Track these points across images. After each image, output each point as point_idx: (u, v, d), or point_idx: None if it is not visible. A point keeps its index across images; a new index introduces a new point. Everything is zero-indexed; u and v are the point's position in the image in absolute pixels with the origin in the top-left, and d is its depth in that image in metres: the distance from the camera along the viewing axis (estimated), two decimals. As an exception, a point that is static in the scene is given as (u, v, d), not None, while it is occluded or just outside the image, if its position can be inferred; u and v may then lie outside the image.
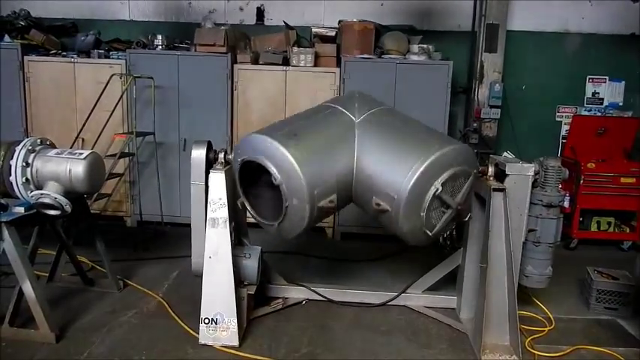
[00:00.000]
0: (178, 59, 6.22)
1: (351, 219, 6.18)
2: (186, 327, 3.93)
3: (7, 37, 6.45)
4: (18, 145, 3.71)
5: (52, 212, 3.69)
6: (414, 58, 6.15)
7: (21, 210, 3.65)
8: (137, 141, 5.99)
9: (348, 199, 3.88)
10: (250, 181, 3.82)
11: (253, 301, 4.16)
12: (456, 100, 6.83)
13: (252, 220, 4.05)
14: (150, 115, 6.03)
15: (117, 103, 5.89)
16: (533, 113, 7.01)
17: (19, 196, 3.70)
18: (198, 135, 4.62)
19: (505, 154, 4.85)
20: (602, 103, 7.01)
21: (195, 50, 6.25)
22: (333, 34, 6.42)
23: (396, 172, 3.52)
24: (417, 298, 4.48)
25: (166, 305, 4.30)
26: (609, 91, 7.00)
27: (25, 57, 6.32)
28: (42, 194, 3.62)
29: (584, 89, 7.01)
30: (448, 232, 6.14)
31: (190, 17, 7.14)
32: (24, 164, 3.65)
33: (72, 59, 6.34)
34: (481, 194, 4.00)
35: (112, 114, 5.83)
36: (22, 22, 6.60)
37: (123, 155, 5.87)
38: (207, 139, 3.94)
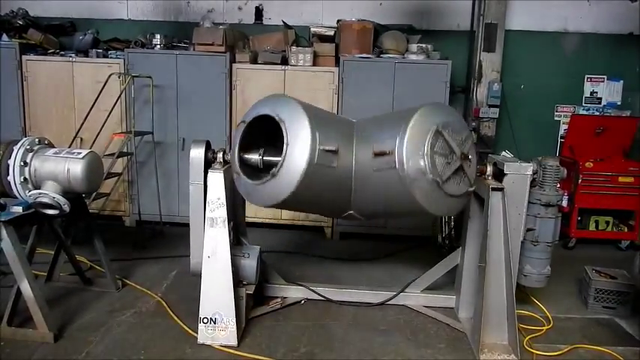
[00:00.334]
0: (177, 58, 6.22)
1: (349, 218, 6.18)
2: (184, 326, 3.93)
3: (5, 37, 6.44)
4: (16, 144, 3.72)
5: (51, 212, 3.69)
6: (413, 57, 6.15)
7: (19, 209, 3.65)
8: (135, 140, 5.98)
9: (349, 163, 3.72)
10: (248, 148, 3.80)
11: (252, 300, 4.17)
12: (455, 100, 6.83)
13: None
14: (148, 115, 6.02)
15: (115, 103, 5.88)
16: (531, 113, 7.02)
17: (17, 195, 3.70)
18: (196, 134, 4.62)
19: (504, 153, 4.85)
20: (600, 103, 7.01)
21: (194, 50, 6.24)
22: (331, 33, 6.42)
23: (394, 124, 3.60)
24: (416, 297, 4.49)
25: (165, 305, 4.29)
26: (607, 91, 7.00)
27: (23, 56, 6.30)
28: (40, 194, 3.62)
29: (583, 89, 7.01)
30: (447, 232, 6.18)
31: (189, 17, 7.13)
32: (22, 164, 3.65)
33: (70, 58, 6.32)
34: (480, 193, 4.00)
35: (110, 113, 5.83)
36: (20, 22, 6.60)
37: (121, 155, 5.86)
38: (205, 138, 3.94)
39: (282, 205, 3.73)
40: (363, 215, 4.12)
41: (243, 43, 6.50)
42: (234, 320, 3.71)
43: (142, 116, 6.07)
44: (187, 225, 3.92)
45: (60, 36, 6.80)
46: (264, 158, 3.71)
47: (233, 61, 6.23)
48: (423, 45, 6.24)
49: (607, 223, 6.35)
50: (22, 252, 3.67)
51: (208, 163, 3.85)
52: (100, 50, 6.42)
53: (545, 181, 3.89)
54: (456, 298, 4.40)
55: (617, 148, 6.46)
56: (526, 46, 6.93)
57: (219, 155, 3.88)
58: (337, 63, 6.16)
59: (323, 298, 4.48)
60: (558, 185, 3.98)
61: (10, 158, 3.65)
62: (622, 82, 6.95)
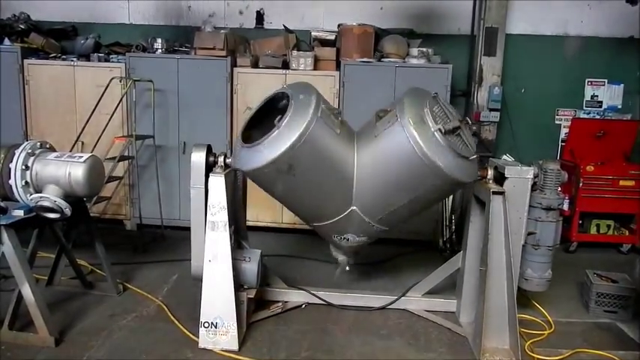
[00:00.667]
0: (178, 63, 6.23)
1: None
2: (185, 331, 3.92)
3: (7, 41, 6.46)
4: (18, 148, 3.73)
5: (52, 215, 3.70)
6: (414, 61, 6.17)
7: (20, 213, 3.65)
8: (137, 144, 6.00)
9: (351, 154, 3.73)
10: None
11: (253, 304, 4.17)
12: (456, 104, 6.83)
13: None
14: (149, 119, 6.03)
15: (116, 107, 5.90)
16: (532, 116, 7.02)
17: (19, 199, 3.71)
18: (197, 138, 4.63)
19: (504, 157, 4.87)
20: (601, 106, 7.02)
21: (195, 54, 6.26)
22: (332, 37, 6.43)
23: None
24: (417, 301, 4.48)
25: (166, 309, 4.29)
26: (608, 94, 7.01)
27: (24, 60, 6.33)
28: (41, 197, 3.63)
29: (583, 92, 7.02)
30: (448, 236, 6.18)
31: (190, 21, 7.15)
32: (23, 167, 3.66)
33: (72, 63, 6.34)
34: (480, 197, 4.00)
35: (111, 117, 5.84)
36: (22, 26, 6.62)
37: (122, 158, 5.87)
38: (206, 142, 3.95)
39: (276, 170, 3.50)
40: (366, 211, 3.80)
41: (244, 47, 6.51)
42: (235, 324, 3.70)
43: (143, 120, 6.09)
44: (188, 229, 3.92)
45: (61, 40, 6.81)
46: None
47: (234, 65, 6.25)
48: (424, 49, 6.26)
49: (608, 226, 6.34)
50: (23, 256, 3.67)
51: (209, 167, 3.85)
52: (102, 54, 6.45)
53: (546, 185, 3.90)
54: (457, 302, 4.39)
55: (617, 151, 6.46)
56: (527, 50, 6.94)
57: (221, 159, 3.88)
58: (338, 67, 6.17)
59: (324, 302, 4.48)
60: (559, 189, 3.98)
61: (11, 162, 3.66)
62: (622, 85, 6.96)
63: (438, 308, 4.45)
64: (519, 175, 3.79)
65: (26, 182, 3.68)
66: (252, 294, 4.01)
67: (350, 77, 6.07)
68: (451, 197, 6.25)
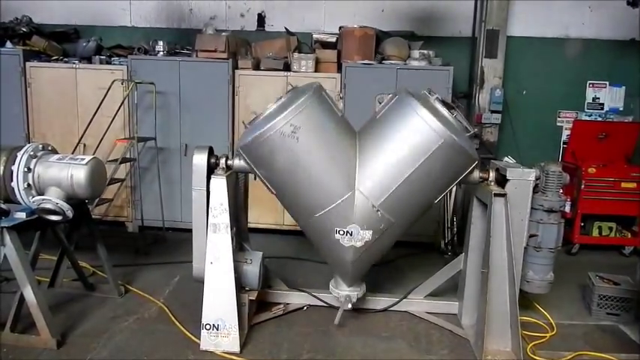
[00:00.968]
0: (179, 65, 6.25)
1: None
2: (187, 333, 3.92)
3: (8, 43, 6.49)
4: (20, 150, 3.73)
5: (54, 217, 3.70)
6: (415, 63, 6.17)
7: (22, 215, 3.66)
8: (138, 146, 6.01)
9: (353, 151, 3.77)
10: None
11: (254, 306, 4.17)
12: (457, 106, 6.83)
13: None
14: (151, 121, 6.05)
15: (118, 109, 5.91)
16: (533, 118, 7.02)
17: (21, 201, 3.71)
18: (199, 140, 4.63)
19: (506, 159, 4.85)
20: (602, 108, 7.02)
21: (197, 56, 6.27)
22: (333, 39, 6.45)
23: None
24: (419, 303, 4.47)
25: (167, 311, 4.29)
26: (610, 97, 7.01)
27: (26, 63, 6.35)
28: (43, 199, 3.63)
29: (585, 94, 7.02)
30: (450, 238, 6.17)
31: (191, 23, 7.17)
32: (26, 170, 3.66)
33: (73, 65, 6.36)
34: (482, 199, 4.00)
35: (113, 119, 5.85)
36: (23, 29, 6.65)
37: (124, 160, 5.88)
38: (208, 144, 3.96)
39: (280, 134, 3.46)
40: (368, 192, 3.60)
41: (246, 49, 6.53)
42: (237, 326, 3.70)
43: (144, 122, 6.10)
44: (190, 231, 3.92)
45: (63, 43, 6.84)
46: None
47: (235, 67, 6.26)
48: (425, 51, 6.26)
49: (610, 228, 6.33)
50: (26, 258, 3.67)
51: (211, 169, 3.86)
52: (104, 57, 6.47)
53: (548, 187, 3.89)
54: (459, 305, 4.39)
55: (619, 153, 6.46)
56: (528, 52, 6.94)
57: (222, 161, 3.89)
58: (339, 69, 6.19)
59: (325, 304, 4.47)
60: (561, 191, 3.97)
61: (13, 164, 3.66)
62: (624, 87, 6.96)
63: (439, 310, 4.45)
64: (521, 177, 3.78)
65: (28, 184, 3.68)
66: (253, 296, 4.02)
67: (351, 79, 6.08)
68: (452, 199, 6.26)
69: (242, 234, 4.40)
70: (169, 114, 6.28)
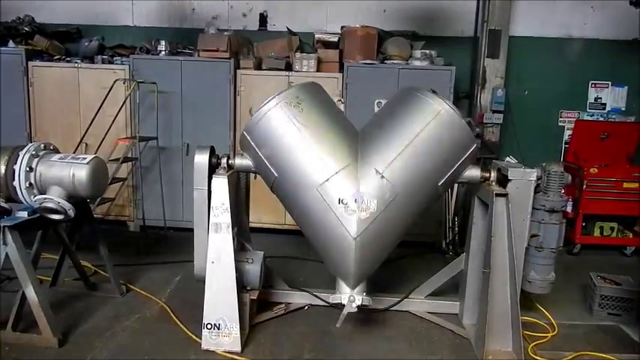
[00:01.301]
0: (181, 65, 6.25)
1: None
2: (188, 332, 3.93)
3: (11, 43, 6.51)
4: (22, 149, 3.74)
5: (56, 217, 3.71)
6: (417, 63, 6.17)
7: (24, 214, 3.67)
8: (140, 146, 6.03)
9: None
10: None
11: (256, 306, 4.16)
12: (459, 106, 6.80)
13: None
14: (153, 120, 6.05)
15: (120, 108, 5.92)
16: (535, 118, 7.01)
17: (23, 200, 3.72)
18: (201, 140, 4.64)
19: (508, 159, 4.85)
20: (604, 108, 7.01)
21: (199, 56, 6.28)
22: (335, 39, 6.45)
23: None
24: (420, 303, 4.47)
25: (169, 310, 4.30)
26: (612, 97, 7.00)
27: (29, 62, 6.36)
28: (45, 199, 3.64)
29: (587, 94, 7.01)
30: (451, 238, 6.17)
31: (193, 23, 7.17)
32: (27, 169, 3.67)
33: (76, 64, 6.38)
34: (483, 199, 4.00)
35: (115, 119, 5.87)
36: (26, 28, 6.67)
37: (126, 160, 5.89)
38: (210, 144, 3.96)
39: (286, 103, 3.72)
40: (370, 159, 3.65)
41: (248, 49, 6.54)
42: (238, 326, 3.70)
43: (146, 122, 6.11)
44: (191, 230, 3.92)
45: (66, 42, 6.86)
46: None
47: (237, 67, 6.27)
48: (427, 51, 6.26)
49: (612, 229, 6.32)
50: (27, 257, 3.68)
51: (212, 169, 3.86)
52: (106, 56, 6.48)
53: (550, 187, 3.89)
54: (460, 305, 4.39)
55: (621, 153, 6.45)
56: (530, 52, 6.93)
57: (224, 160, 3.90)
58: (341, 69, 6.19)
59: (327, 304, 4.46)
60: (562, 191, 3.97)
61: (15, 163, 3.67)
62: (626, 87, 6.94)
63: (440, 310, 4.44)
64: (522, 177, 3.78)
65: (30, 184, 3.69)
66: (254, 295, 4.02)
67: (353, 79, 6.08)
68: (454, 199, 6.26)
69: (243, 233, 4.40)
70: (171, 113, 6.29)
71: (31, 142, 4.11)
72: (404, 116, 3.81)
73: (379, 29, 6.41)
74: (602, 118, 6.97)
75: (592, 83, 6.98)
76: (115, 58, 6.48)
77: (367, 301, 3.79)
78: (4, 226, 3.51)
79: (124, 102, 5.97)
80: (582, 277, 4.93)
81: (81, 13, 7.20)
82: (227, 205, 3.72)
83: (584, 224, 6.28)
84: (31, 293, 3.59)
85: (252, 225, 4.97)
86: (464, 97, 6.97)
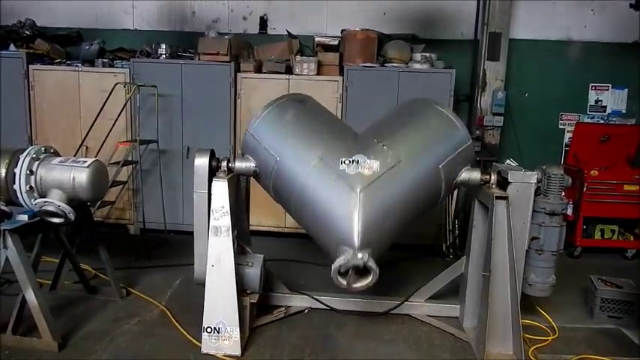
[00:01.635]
0: (182, 68, 6.26)
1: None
2: (188, 336, 3.92)
3: (12, 47, 6.52)
4: (22, 153, 3.74)
5: (56, 220, 3.71)
6: (417, 66, 6.17)
7: (24, 218, 3.68)
8: (140, 149, 6.02)
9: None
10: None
11: (256, 309, 4.16)
12: (459, 108, 6.82)
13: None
14: (153, 124, 6.06)
15: (120, 112, 5.92)
16: (536, 121, 7.01)
17: (23, 203, 3.72)
18: (201, 143, 4.65)
19: (508, 161, 4.86)
20: (605, 111, 7.00)
21: (199, 59, 6.29)
22: (335, 42, 6.45)
23: None
24: (420, 306, 4.47)
25: (169, 314, 4.30)
26: (612, 99, 7.00)
27: (30, 66, 6.37)
28: (46, 202, 3.64)
29: (587, 97, 7.01)
30: (451, 240, 6.16)
31: (194, 27, 7.19)
32: (28, 172, 3.68)
33: (76, 68, 6.39)
34: (484, 202, 4.00)
35: (115, 122, 5.87)
36: (27, 32, 6.68)
37: (126, 163, 5.90)
38: (210, 147, 3.97)
39: (292, 99, 4.38)
40: (372, 132, 4.03)
41: (248, 52, 6.55)
42: (238, 329, 3.70)
43: (147, 125, 6.11)
44: (191, 233, 3.92)
45: (66, 46, 6.88)
46: None
47: (238, 70, 6.28)
48: (427, 54, 6.27)
49: (612, 231, 6.31)
50: (27, 260, 3.68)
51: (213, 172, 3.87)
52: (106, 60, 6.48)
53: (550, 190, 3.88)
54: (461, 308, 4.38)
55: (621, 156, 6.44)
56: (530, 55, 6.94)
57: (224, 164, 3.90)
58: (341, 72, 6.19)
59: (327, 308, 4.47)
60: (563, 194, 3.97)
61: (16, 167, 3.67)
62: (627, 90, 6.94)
63: (441, 313, 4.44)
64: (523, 180, 3.78)
65: (30, 187, 3.69)
66: (254, 299, 4.02)
67: (353, 82, 6.08)
68: (454, 202, 6.26)
69: (243, 237, 4.40)
70: (171, 117, 6.30)
71: (31, 146, 4.11)
72: (399, 110, 4.52)
73: (379, 32, 6.42)
74: (602, 121, 6.96)
75: (592, 86, 6.98)
76: (115, 62, 6.49)
77: (373, 263, 3.35)
78: (4, 230, 3.52)
79: (125, 105, 5.98)
80: (583, 279, 4.92)
81: (81, 17, 7.22)
82: (227, 208, 3.72)
83: (584, 227, 6.27)
84: (31, 297, 3.59)
85: (252, 228, 4.97)
86: (464, 100, 6.97)
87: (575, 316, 4.58)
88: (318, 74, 6.18)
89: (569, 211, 5.98)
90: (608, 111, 7.00)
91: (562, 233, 3.97)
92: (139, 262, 5.48)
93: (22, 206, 3.75)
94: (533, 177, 3.79)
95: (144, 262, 5.49)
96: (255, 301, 4.02)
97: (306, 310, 4.47)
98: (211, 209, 3.74)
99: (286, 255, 5.85)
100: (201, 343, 3.73)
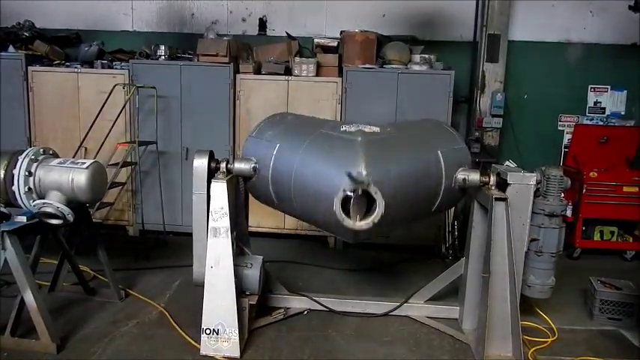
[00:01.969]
0: (181, 69, 6.26)
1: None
2: (187, 337, 3.92)
3: (11, 48, 6.51)
4: (21, 154, 3.74)
5: (55, 221, 3.70)
6: (416, 67, 6.17)
7: (23, 219, 3.67)
8: (139, 150, 6.02)
9: None
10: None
11: (255, 311, 4.15)
12: (458, 110, 6.84)
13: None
14: (152, 125, 6.06)
15: (120, 113, 5.92)
16: (535, 122, 7.02)
17: (22, 205, 3.72)
18: (200, 144, 4.64)
19: (507, 163, 4.85)
20: (604, 113, 7.01)
21: (198, 60, 6.29)
22: (335, 44, 6.45)
23: None
24: (419, 308, 4.46)
25: (168, 315, 4.29)
26: (611, 101, 7.00)
27: (29, 67, 6.37)
28: (44, 203, 3.64)
29: (586, 98, 7.02)
30: (450, 242, 6.16)
31: (193, 28, 7.19)
32: (27, 173, 3.67)
33: (75, 69, 6.38)
34: (483, 203, 3.99)
35: (114, 123, 5.86)
36: (26, 33, 6.66)
37: (125, 164, 5.89)
38: (209, 148, 3.96)
39: None
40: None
41: (247, 53, 6.55)
42: (237, 331, 3.69)
43: (146, 126, 6.12)
44: (190, 235, 3.92)
45: (65, 47, 6.86)
46: None
47: (237, 71, 6.27)
48: (426, 55, 6.27)
49: (612, 233, 6.31)
50: (26, 262, 3.67)
51: (211, 173, 3.86)
52: (105, 61, 6.47)
53: (549, 191, 3.88)
54: (460, 309, 4.38)
55: (621, 157, 6.45)
56: (529, 57, 6.94)
57: (223, 165, 3.90)
58: (340, 73, 6.19)
59: (326, 309, 4.46)
60: (562, 195, 3.96)
61: (14, 168, 3.67)
62: (626, 92, 6.95)
63: (440, 315, 4.43)
64: (522, 182, 3.77)
65: (29, 188, 3.69)
66: (253, 300, 4.00)
67: (352, 83, 6.08)
68: (454, 203, 6.25)
69: (242, 238, 4.40)
70: (170, 118, 6.29)
71: (30, 147, 4.11)
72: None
73: (378, 34, 6.42)
74: (601, 122, 6.97)
75: (591, 87, 6.99)
76: (114, 63, 6.48)
77: (379, 194, 3.00)
78: (3, 231, 3.51)
79: (124, 106, 5.97)
80: (582, 281, 4.92)
81: (80, 18, 7.22)
82: (226, 209, 3.72)
83: (584, 228, 6.27)
84: (29, 298, 3.58)
85: (251, 229, 4.98)
86: (463, 102, 6.98)
87: (575, 317, 4.58)
88: (317, 75, 6.18)
89: (569, 213, 5.98)
90: (608, 112, 7.00)
91: (561, 235, 3.96)
92: (138, 264, 5.47)
93: (21, 207, 3.74)
94: (532, 178, 3.78)
95: (143, 264, 5.48)
96: (254, 303, 4.00)
97: (306, 312, 4.46)
98: (210, 210, 3.74)
99: (285, 256, 5.85)
100: (200, 344, 3.72)
